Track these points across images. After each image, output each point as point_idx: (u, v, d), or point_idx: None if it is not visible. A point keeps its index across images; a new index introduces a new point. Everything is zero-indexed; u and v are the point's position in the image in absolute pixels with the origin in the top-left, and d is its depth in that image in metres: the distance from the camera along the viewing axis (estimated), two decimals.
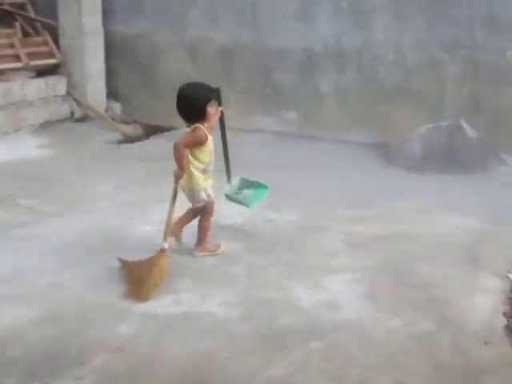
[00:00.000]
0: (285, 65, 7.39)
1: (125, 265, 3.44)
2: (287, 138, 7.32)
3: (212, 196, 3.70)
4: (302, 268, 3.49)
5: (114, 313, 2.97)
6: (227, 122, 7.39)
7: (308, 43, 7.13)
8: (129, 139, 7.08)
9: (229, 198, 4.02)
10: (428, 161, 5.84)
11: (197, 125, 3.51)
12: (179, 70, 7.93)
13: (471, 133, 5.82)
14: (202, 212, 3.75)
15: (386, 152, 6.36)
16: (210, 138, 3.59)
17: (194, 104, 3.49)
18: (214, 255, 3.70)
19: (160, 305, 3.04)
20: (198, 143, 3.51)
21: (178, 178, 3.52)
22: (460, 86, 6.32)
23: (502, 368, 2.47)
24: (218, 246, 3.77)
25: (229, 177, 4.06)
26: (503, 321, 2.89)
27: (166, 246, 3.36)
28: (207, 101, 3.49)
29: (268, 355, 2.61)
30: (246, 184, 4.14)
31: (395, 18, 6.53)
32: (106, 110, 7.77)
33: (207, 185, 3.67)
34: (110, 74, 7.94)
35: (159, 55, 7.89)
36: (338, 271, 3.44)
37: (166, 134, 7.38)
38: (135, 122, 7.75)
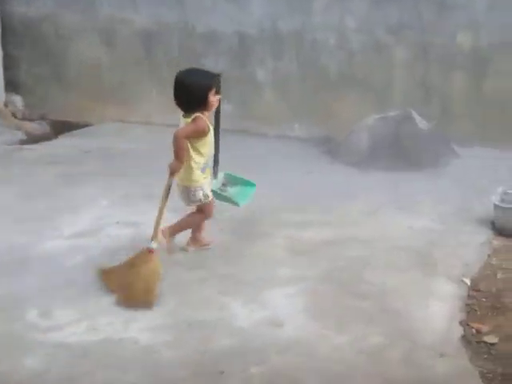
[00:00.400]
0: (215, 50, 7.41)
1: (103, 273, 3.48)
2: (220, 134, 7.33)
3: (210, 197, 3.77)
4: (239, 282, 3.51)
5: (19, 344, 2.89)
6: (147, 118, 7.38)
7: (240, 26, 7.17)
8: (33, 139, 6.91)
9: (215, 194, 3.98)
10: (376, 156, 6.00)
11: (197, 114, 3.57)
12: (92, 57, 7.82)
13: (421, 123, 6.01)
14: (200, 209, 3.82)
15: (332, 147, 6.49)
16: (211, 128, 3.68)
17: (195, 92, 3.54)
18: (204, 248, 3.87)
19: (73, 332, 2.99)
20: (200, 134, 3.59)
21: (173, 172, 3.59)
22: (408, 72, 6.53)
23: (457, 381, 2.57)
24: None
25: (215, 172, 4.06)
26: (460, 330, 3.01)
27: (155, 246, 3.49)
28: (209, 89, 3.55)
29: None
30: (231, 180, 4.17)
31: None
32: (5, 104, 7.55)
33: (205, 183, 3.74)
34: (9, 62, 7.72)
35: (68, 40, 7.74)
36: (280, 283, 3.48)
37: (79, 131, 7.28)
38: (41, 118, 7.57)
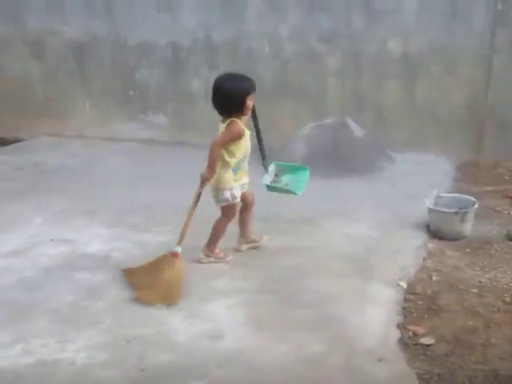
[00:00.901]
0: (148, 62, 7.40)
1: (127, 273, 3.70)
2: (156, 146, 7.31)
3: (237, 198, 3.89)
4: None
5: None
6: (81, 131, 7.26)
7: (174, 37, 7.19)
8: None
9: (270, 188, 4.09)
10: (313, 163, 6.02)
11: (232, 119, 3.72)
12: (21, 70, 7.68)
13: (357, 130, 6.14)
14: (223, 212, 3.95)
15: (269, 156, 6.52)
16: (246, 131, 3.78)
17: (233, 97, 3.68)
18: (220, 262, 3.95)
19: (5, 355, 2.91)
20: (235, 138, 3.72)
21: (205, 180, 3.77)
22: (342, 80, 6.66)
23: None
24: (227, 255, 4.00)
25: (265, 166, 4.20)
26: (397, 333, 3.08)
27: (179, 249, 3.65)
28: (247, 93, 3.69)
29: None
30: (282, 169, 4.23)
31: (269, 6, 6.76)
32: None
33: (235, 185, 3.87)
34: None
35: None
36: (218, 295, 3.48)
37: (10, 147, 7.12)
38: None
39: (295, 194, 4.06)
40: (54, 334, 3.09)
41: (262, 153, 4.28)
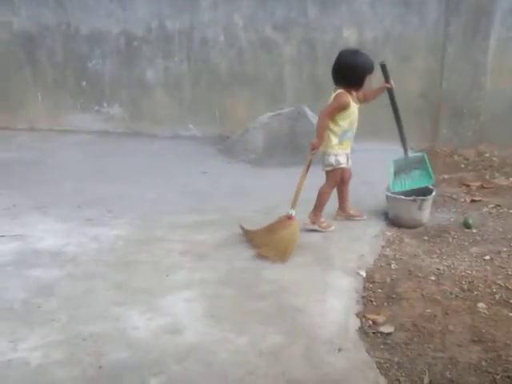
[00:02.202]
0: (101, 51, 7.27)
1: (246, 232, 4.08)
2: (112, 138, 7.21)
3: (342, 163, 4.19)
4: (135, 290, 3.42)
5: None
6: (33, 124, 7.11)
7: (127, 25, 7.08)
8: None
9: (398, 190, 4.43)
10: (272, 153, 6.08)
11: (339, 91, 4.03)
12: None
13: (314, 119, 6.12)
14: (326, 179, 4.25)
15: (227, 146, 6.51)
16: (353, 104, 4.08)
17: (356, 71, 3.97)
18: (323, 231, 4.22)
19: None
20: (341, 108, 4.02)
21: (314, 148, 4.03)
22: (298, 69, 6.65)
23: (356, 375, 2.61)
24: (330, 225, 4.27)
25: (406, 149, 4.54)
26: (357, 322, 3.07)
27: (293, 213, 3.97)
28: (368, 72, 3.98)
29: None
30: (401, 166, 4.55)
31: None
32: None
33: (340, 152, 4.16)
34: None
35: None
36: (177, 289, 3.42)
37: None
38: None
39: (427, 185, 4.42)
40: (5, 334, 2.98)
41: (402, 136, 4.51)
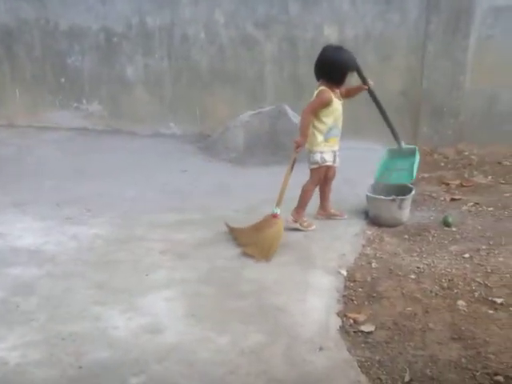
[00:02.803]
0: (81, 48, 7.22)
1: (232, 230, 4.10)
2: (91, 135, 7.17)
3: (328, 161, 4.22)
4: (115, 289, 3.41)
5: None
6: (11, 120, 7.03)
7: (106, 22, 7.04)
8: None
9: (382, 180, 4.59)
10: (253, 151, 6.07)
11: (322, 87, 4.06)
12: None
13: (295, 118, 6.13)
14: (311, 175, 4.27)
15: (208, 144, 6.50)
16: (336, 101, 4.10)
17: (338, 68, 4.01)
18: (304, 230, 4.23)
19: None
20: (323, 105, 4.04)
21: (298, 146, 4.05)
22: (279, 67, 6.65)
23: (337, 373, 2.63)
24: (311, 224, 4.27)
25: (399, 142, 4.68)
26: (338, 322, 3.09)
27: (278, 211, 3.99)
28: (351, 69, 4.03)
29: None
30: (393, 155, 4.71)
31: None
32: None
33: (326, 149, 4.19)
34: None
35: None
36: (157, 288, 3.42)
37: None
38: None
39: (409, 181, 4.51)
40: None
41: (392, 131, 4.62)
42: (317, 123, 4.11)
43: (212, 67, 6.88)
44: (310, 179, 4.30)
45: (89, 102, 7.36)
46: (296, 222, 4.24)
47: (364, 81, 4.25)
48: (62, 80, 7.35)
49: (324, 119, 4.10)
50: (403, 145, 4.65)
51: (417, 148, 4.68)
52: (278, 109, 6.22)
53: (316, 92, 4.10)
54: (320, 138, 4.14)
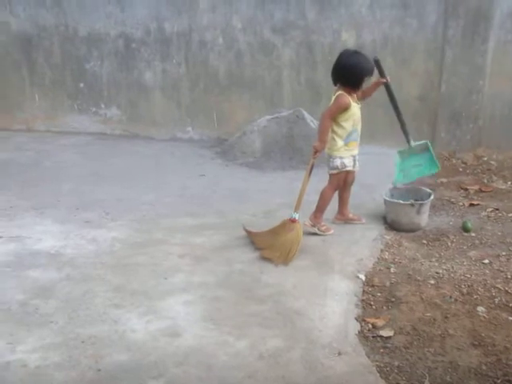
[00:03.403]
0: (99, 53, 7.27)
1: (250, 234, 4.11)
2: (109, 140, 7.20)
3: (348, 166, 4.21)
4: (134, 293, 3.42)
5: None
6: (30, 125, 7.08)
7: (125, 28, 7.07)
8: None
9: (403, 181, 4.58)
10: (270, 156, 6.07)
11: (340, 92, 4.05)
12: None
13: (312, 122, 6.13)
14: (330, 179, 4.28)
15: (225, 149, 6.50)
16: (354, 105, 4.10)
17: (352, 73, 3.99)
18: (321, 235, 4.22)
19: None
20: (342, 109, 4.04)
21: (316, 151, 4.05)
22: (296, 72, 6.65)
23: (356, 378, 2.61)
24: (329, 229, 4.27)
25: (408, 140, 4.59)
26: (356, 326, 3.07)
27: (297, 216, 3.98)
28: (368, 74, 4.00)
29: None
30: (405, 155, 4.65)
31: None
32: None
33: (347, 154, 4.19)
34: None
35: None
36: (176, 292, 3.42)
37: None
38: None
39: (434, 171, 4.62)
40: (3, 335, 2.98)
41: (403, 128, 4.57)
42: (336, 128, 4.11)
43: (229, 72, 6.89)
44: (329, 184, 4.30)
45: (107, 106, 7.40)
46: (314, 226, 4.23)
47: (382, 74, 4.23)
48: (81, 85, 7.40)
49: (343, 124, 4.09)
50: (413, 143, 4.59)
51: (428, 142, 4.62)
52: (296, 113, 6.21)
53: (334, 97, 4.09)
54: (340, 142, 4.14)
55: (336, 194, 4.39)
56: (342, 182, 4.30)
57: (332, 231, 4.26)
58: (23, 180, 5.59)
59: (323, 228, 4.25)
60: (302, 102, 6.50)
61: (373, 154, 5.80)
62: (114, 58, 7.20)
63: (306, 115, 6.20)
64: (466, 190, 5.24)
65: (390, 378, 2.65)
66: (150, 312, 3.21)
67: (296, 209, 4.03)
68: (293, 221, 3.98)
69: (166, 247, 4.05)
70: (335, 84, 4.12)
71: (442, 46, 6.13)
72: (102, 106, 7.42)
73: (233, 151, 6.36)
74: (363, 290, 3.47)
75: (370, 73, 4.03)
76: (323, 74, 6.50)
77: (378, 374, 2.66)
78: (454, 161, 6.12)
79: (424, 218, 4.38)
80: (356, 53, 4.09)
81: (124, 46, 7.12)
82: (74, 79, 7.42)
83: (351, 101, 4.06)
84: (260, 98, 6.84)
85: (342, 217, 4.47)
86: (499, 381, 2.62)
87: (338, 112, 4.06)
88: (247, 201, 4.98)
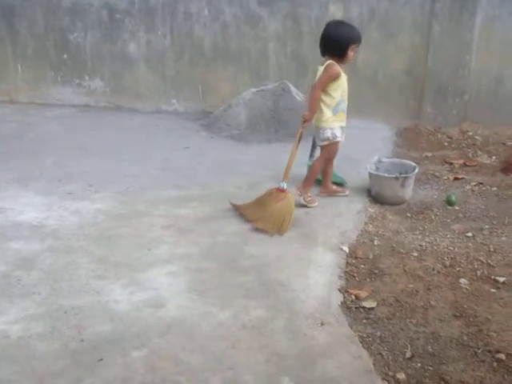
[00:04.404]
0: (83, 24, 7.15)
1: (237, 208, 4.08)
2: (93, 112, 7.13)
3: (338, 137, 4.23)
4: (117, 264, 3.41)
5: None
6: (13, 96, 6.98)
7: None
8: None
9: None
10: (255, 128, 6.05)
11: (330, 61, 4.04)
12: None
13: (298, 96, 6.10)
14: (322, 151, 4.30)
15: (210, 121, 6.46)
16: (343, 75, 4.11)
17: (337, 41, 4.00)
18: (307, 206, 4.21)
19: None
20: (333, 78, 4.05)
21: (305, 121, 4.07)
22: (282, 44, 6.59)
23: (338, 348, 2.63)
24: (314, 201, 4.27)
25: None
26: (339, 297, 3.09)
27: (285, 185, 3.98)
28: (350, 42, 3.99)
29: (80, 374, 2.51)
30: None
31: None
32: None
33: (336, 124, 4.20)
34: None
35: None
36: (160, 263, 3.41)
37: None
38: None
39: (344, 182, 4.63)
40: None
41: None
42: (324, 97, 4.11)
43: (215, 44, 6.82)
44: (320, 155, 4.32)
45: (91, 78, 7.31)
46: (300, 195, 4.23)
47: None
48: (64, 56, 7.29)
49: (332, 93, 4.10)
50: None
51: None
52: (281, 86, 6.17)
53: (323, 67, 4.08)
54: (328, 113, 4.14)
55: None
56: (332, 153, 4.32)
57: (316, 203, 4.26)
58: (6, 151, 5.52)
59: (308, 199, 4.25)
60: (287, 75, 6.45)
61: (358, 128, 5.78)
62: (98, 29, 7.09)
63: (292, 88, 6.16)
64: (451, 164, 5.26)
65: (372, 347, 2.67)
66: (133, 283, 3.20)
67: (284, 178, 4.04)
68: (282, 190, 3.98)
69: (149, 219, 4.03)
70: (323, 55, 4.11)
71: (429, 20, 6.10)
72: (86, 77, 7.33)
73: (218, 124, 6.32)
74: (346, 262, 3.48)
75: (354, 42, 4.03)
76: (309, 47, 6.46)
77: (361, 344, 2.68)
78: (440, 135, 6.13)
79: (408, 192, 4.39)
80: (342, 23, 4.13)
81: (108, 16, 7.01)
82: (57, 50, 7.30)
83: (341, 71, 4.07)
84: (245, 70, 6.78)
85: (326, 190, 4.47)
86: (480, 351, 2.64)
87: (329, 81, 4.07)
88: (232, 173, 4.95)
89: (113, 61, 7.18)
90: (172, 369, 2.52)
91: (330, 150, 4.28)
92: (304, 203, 4.22)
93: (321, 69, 4.11)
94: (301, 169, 4.40)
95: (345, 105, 4.22)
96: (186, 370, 2.52)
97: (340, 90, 4.12)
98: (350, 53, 4.04)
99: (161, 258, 3.48)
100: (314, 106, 4.10)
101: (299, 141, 4.08)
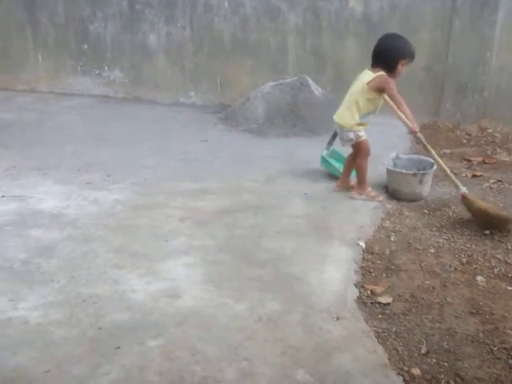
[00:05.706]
0: (103, 15, 7.18)
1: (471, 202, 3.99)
2: (112, 103, 7.18)
3: (362, 136, 4.20)
4: (134, 254, 3.44)
5: None
6: (33, 85, 7.06)
7: None
8: None
9: (325, 162, 4.66)
10: (273, 122, 6.05)
11: (381, 73, 4.00)
12: None
13: (317, 90, 6.09)
14: (356, 152, 4.30)
15: (228, 114, 6.47)
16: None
17: (388, 54, 3.97)
18: (374, 201, 4.23)
19: None
20: (382, 88, 4.01)
21: (416, 132, 4.10)
22: (302, 38, 6.58)
23: (353, 343, 2.63)
24: (379, 195, 4.28)
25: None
26: (355, 292, 3.09)
27: (465, 189, 4.04)
28: (401, 56, 3.96)
29: (97, 361, 2.53)
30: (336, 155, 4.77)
31: None
32: None
33: (359, 129, 4.19)
34: None
35: None
36: (177, 254, 3.44)
37: None
38: None
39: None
40: (5, 293, 3.01)
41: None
42: (362, 101, 4.09)
43: (234, 37, 6.83)
44: (358, 156, 4.31)
45: (110, 69, 7.36)
46: (361, 194, 4.27)
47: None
48: (85, 46, 7.34)
49: (370, 102, 4.10)
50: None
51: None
52: (300, 80, 6.17)
53: (374, 75, 4.02)
54: (356, 118, 4.14)
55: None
56: (368, 147, 4.29)
57: (381, 198, 4.29)
58: (26, 140, 5.59)
59: (372, 194, 4.28)
60: (306, 69, 6.45)
61: (376, 124, 5.75)
62: (119, 20, 7.13)
63: (311, 82, 6.15)
64: (470, 161, 5.23)
65: (388, 343, 2.68)
66: (150, 273, 3.23)
67: (458, 185, 4.08)
68: (463, 195, 4.02)
69: (166, 210, 4.06)
70: (373, 66, 4.07)
71: (450, 16, 6.06)
72: (106, 68, 7.37)
73: (235, 117, 6.33)
74: (363, 257, 3.48)
75: (408, 56, 3.98)
76: (329, 41, 6.46)
77: (376, 339, 2.69)
78: (458, 132, 6.10)
79: (426, 188, 4.38)
80: (396, 35, 4.09)
81: (128, 7, 7.04)
82: (77, 40, 7.36)
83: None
84: (264, 63, 6.78)
85: (343, 184, 4.46)
86: (495, 348, 2.64)
87: (379, 87, 4.02)
88: (249, 167, 4.97)
89: (132, 52, 7.22)
90: (188, 358, 2.54)
91: (363, 146, 4.27)
92: (369, 199, 4.25)
93: (363, 77, 4.07)
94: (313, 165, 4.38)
95: (371, 117, 4.21)
96: (202, 359, 2.54)
97: (377, 102, 4.11)
98: (400, 67, 3.99)
99: (178, 250, 3.51)
100: (407, 112, 4.06)
101: (427, 146, 4.12)
